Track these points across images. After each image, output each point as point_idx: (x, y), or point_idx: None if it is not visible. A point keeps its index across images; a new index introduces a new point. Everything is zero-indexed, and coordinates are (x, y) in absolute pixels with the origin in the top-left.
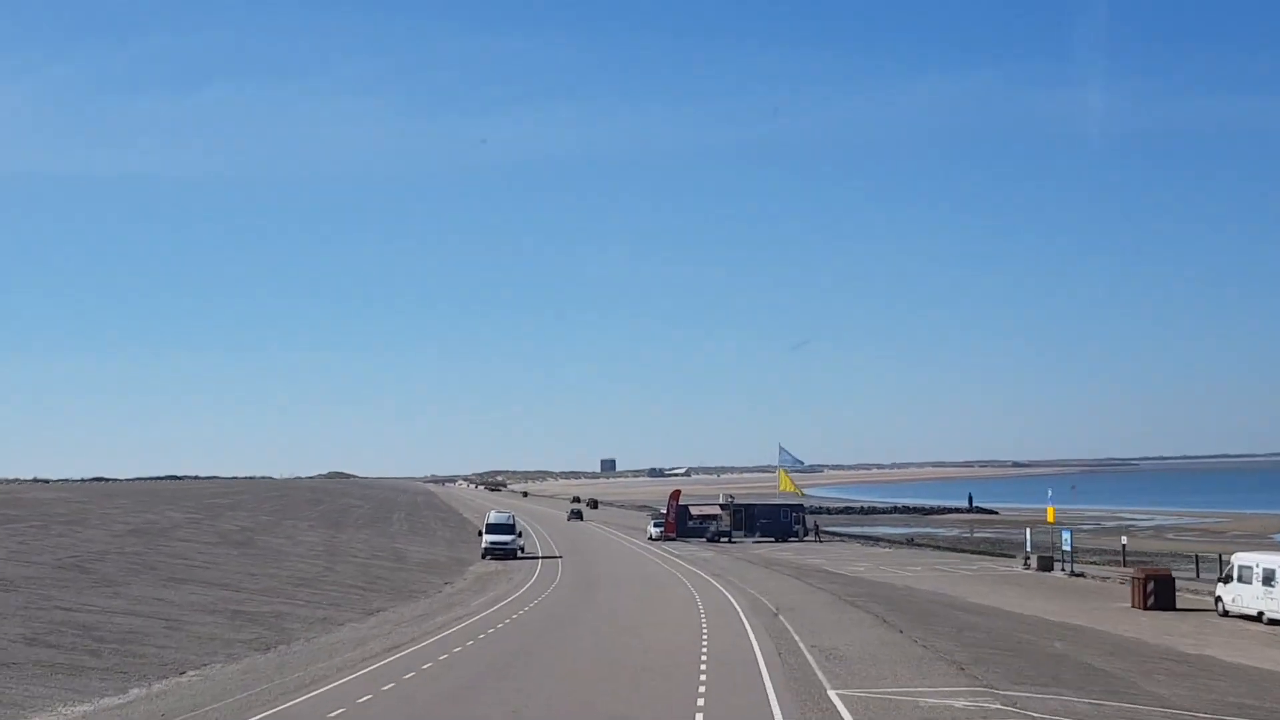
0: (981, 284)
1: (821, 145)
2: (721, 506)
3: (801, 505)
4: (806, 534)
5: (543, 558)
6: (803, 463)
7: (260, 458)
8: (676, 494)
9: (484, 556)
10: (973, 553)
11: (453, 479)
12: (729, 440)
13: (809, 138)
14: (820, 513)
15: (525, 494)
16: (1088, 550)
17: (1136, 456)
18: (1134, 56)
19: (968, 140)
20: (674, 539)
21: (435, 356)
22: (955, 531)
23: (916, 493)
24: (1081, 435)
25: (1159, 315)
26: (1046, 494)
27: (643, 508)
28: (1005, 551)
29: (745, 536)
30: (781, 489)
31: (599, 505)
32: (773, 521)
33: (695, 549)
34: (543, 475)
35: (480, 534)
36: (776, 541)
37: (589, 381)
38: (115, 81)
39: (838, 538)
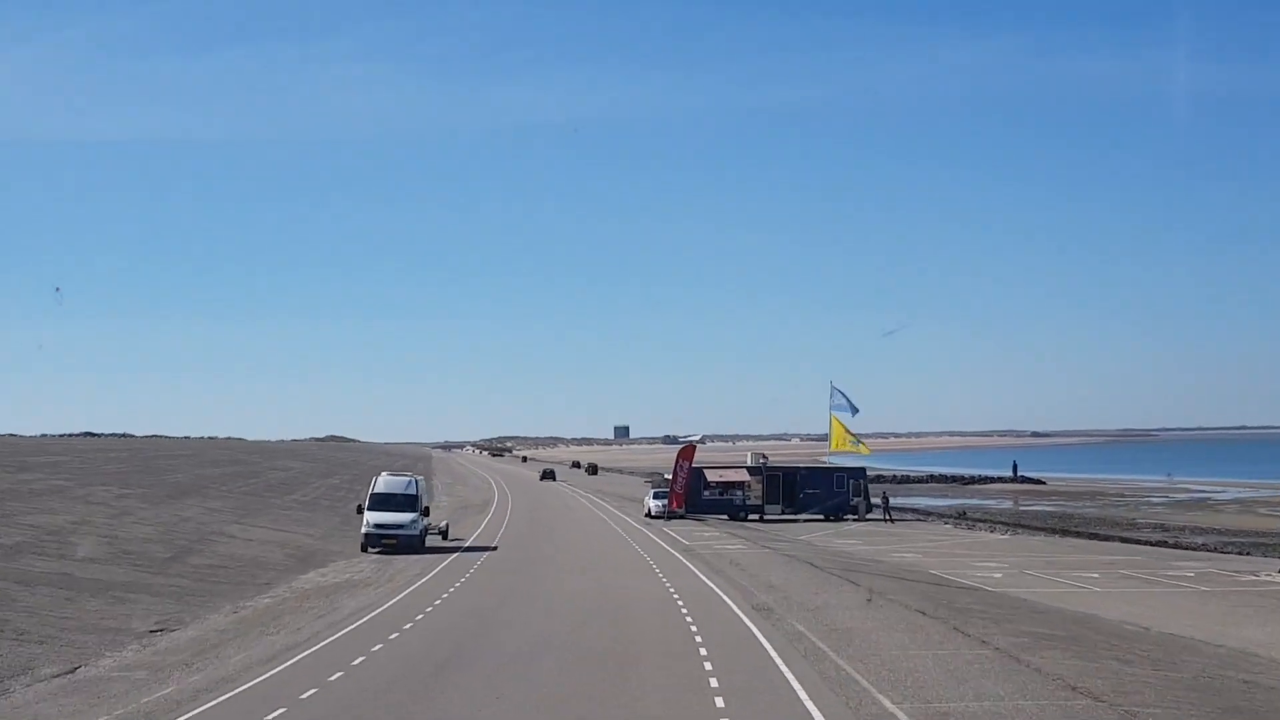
0: (996, 252)
1: (855, 110)
2: (750, 471)
3: (863, 470)
4: (870, 510)
5: (464, 550)
6: (857, 410)
7: (262, 421)
8: (688, 452)
9: (364, 548)
10: (1095, 537)
11: (460, 445)
12: (743, 408)
13: (848, 103)
14: None
15: (525, 459)
16: (1229, 533)
17: (1155, 428)
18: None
19: (982, 101)
20: (682, 515)
21: (449, 322)
22: (1006, 504)
23: (940, 462)
24: (1099, 405)
25: (1178, 284)
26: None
27: (651, 475)
28: (1087, 530)
29: (784, 512)
30: (834, 447)
31: (598, 471)
32: (823, 492)
33: (714, 533)
34: (555, 441)
35: (360, 510)
36: (828, 520)
37: (604, 348)
38: (127, 44)
39: (908, 515)
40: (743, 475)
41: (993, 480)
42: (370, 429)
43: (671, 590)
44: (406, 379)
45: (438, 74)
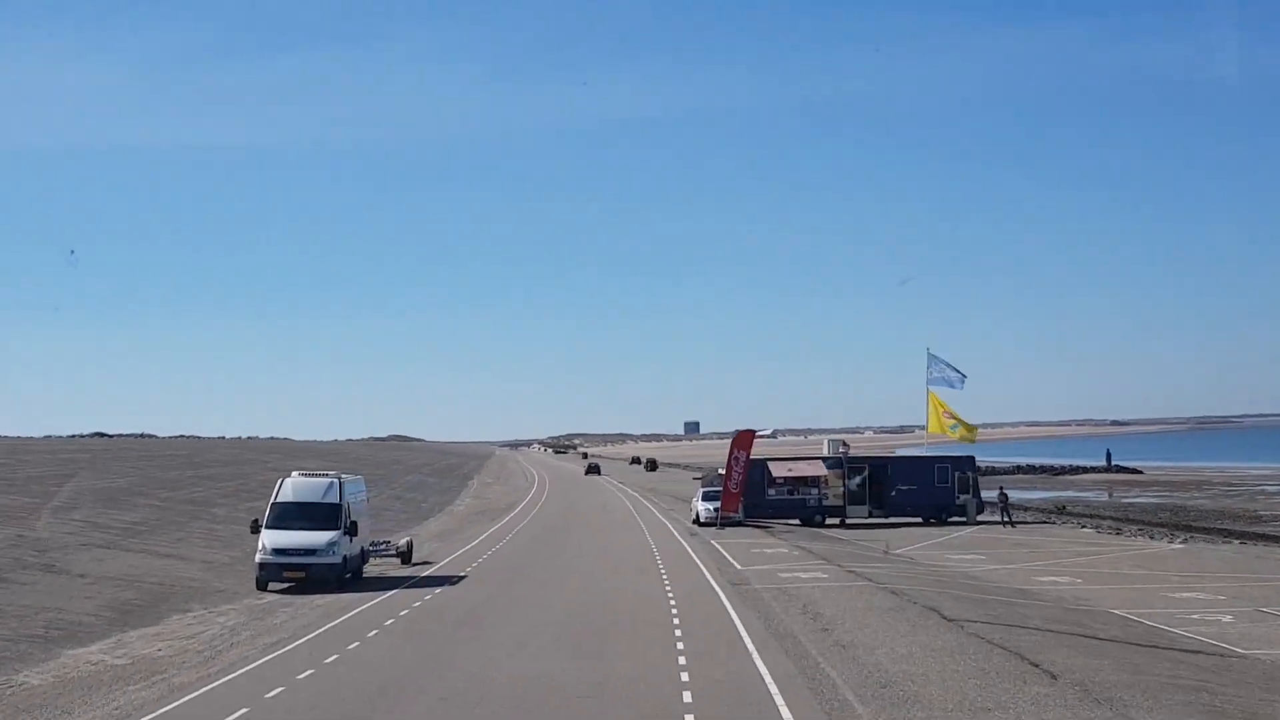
0: (1071, 239)
1: (919, 102)
2: (827, 463)
3: (972, 460)
4: (982, 510)
5: (414, 584)
6: (964, 378)
7: (325, 422)
8: (745, 439)
9: (260, 584)
10: (1228, 535)
11: (527, 443)
12: (816, 401)
13: (907, 94)
14: None
15: (585, 454)
16: None
17: (1237, 414)
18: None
19: (1047, 92)
20: (740, 521)
21: (519, 319)
22: (1103, 496)
23: (1020, 452)
24: (1177, 392)
25: (1256, 267)
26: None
27: (706, 470)
28: (1214, 525)
29: (872, 514)
30: (931, 430)
31: (658, 466)
32: (921, 488)
33: (780, 547)
34: (623, 438)
35: (257, 527)
36: (928, 524)
37: (674, 344)
38: (201, 50)
39: (1024, 514)
40: (818, 469)
41: (1085, 470)
42: (440, 428)
43: (689, 699)
44: (477, 377)
45: (503, 74)
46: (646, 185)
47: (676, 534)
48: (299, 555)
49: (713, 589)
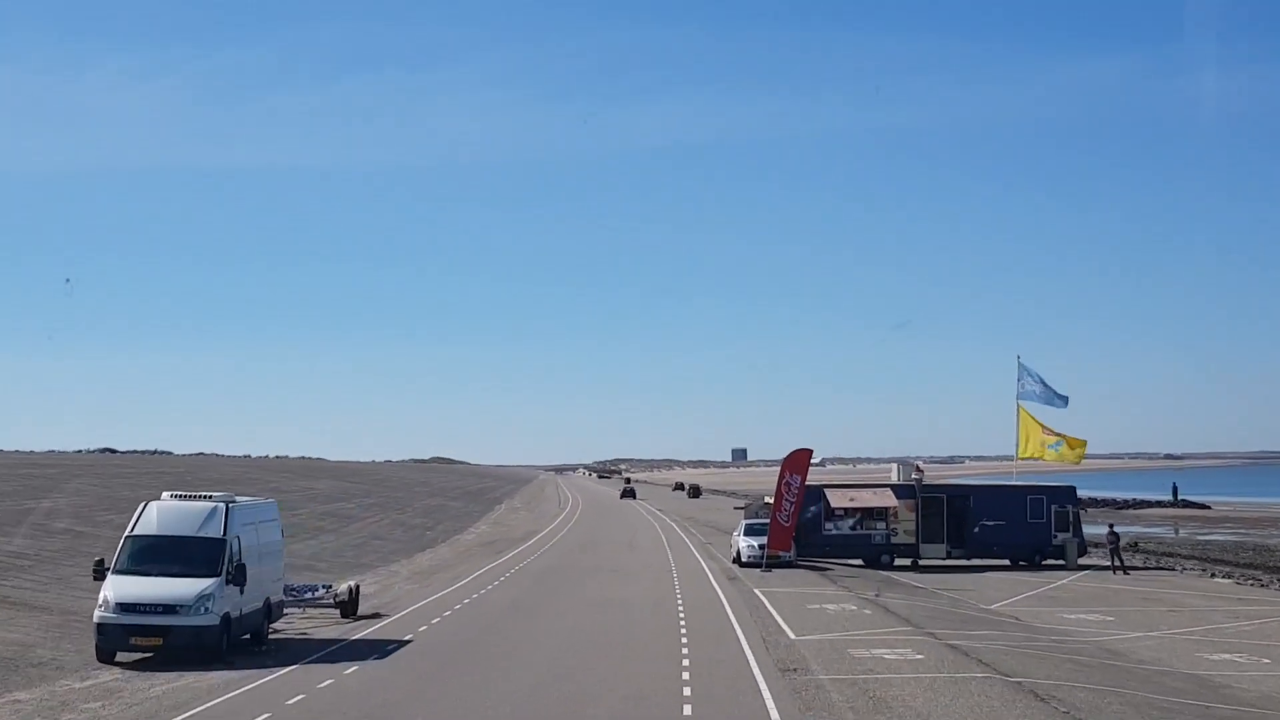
0: (1124, 270)
1: (944, 135)
2: (897, 492)
3: (1072, 490)
4: (1084, 552)
5: (329, 653)
6: (1065, 400)
7: (368, 443)
8: (799, 462)
9: (102, 655)
10: None
11: (573, 468)
12: (865, 431)
13: (932, 128)
14: None
15: (627, 479)
16: None
17: None
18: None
19: (1099, 121)
20: (791, 562)
21: (570, 344)
22: (1177, 532)
23: (1075, 484)
24: (1231, 426)
25: None
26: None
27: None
28: None
29: (951, 554)
30: (1023, 454)
31: (701, 493)
32: (1009, 523)
33: (844, 601)
34: (670, 464)
35: (101, 571)
36: (1017, 567)
37: (723, 370)
38: (256, 75)
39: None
40: (886, 498)
41: (1150, 504)
42: (488, 452)
43: None
44: (526, 402)
45: (553, 98)
46: (699, 210)
47: (712, 578)
48: (155, 614)
49: (753, 681)
